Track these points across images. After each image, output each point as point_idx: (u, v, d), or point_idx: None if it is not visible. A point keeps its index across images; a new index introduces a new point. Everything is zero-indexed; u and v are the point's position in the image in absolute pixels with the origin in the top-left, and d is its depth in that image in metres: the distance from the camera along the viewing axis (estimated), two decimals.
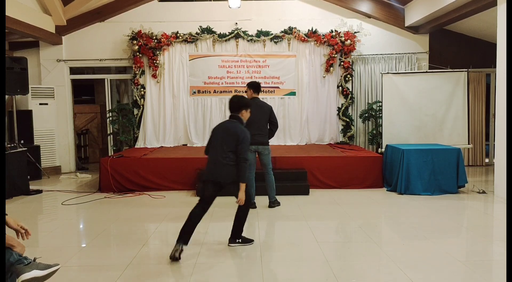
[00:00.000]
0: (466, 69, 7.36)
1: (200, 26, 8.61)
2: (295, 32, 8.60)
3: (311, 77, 8.74)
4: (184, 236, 3.67)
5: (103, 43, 8.74)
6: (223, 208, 5.47)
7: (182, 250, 3.63)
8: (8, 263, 2.45)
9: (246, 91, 5.56)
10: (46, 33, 8.10)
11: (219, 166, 3.76)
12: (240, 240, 4.02)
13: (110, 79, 9.19)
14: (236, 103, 3.95)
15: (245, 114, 3.98)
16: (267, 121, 5.41)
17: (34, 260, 2.60)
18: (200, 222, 4.86)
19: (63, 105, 8.78)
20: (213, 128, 3.97)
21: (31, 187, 6.67)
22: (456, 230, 4.55)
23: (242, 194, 3.78)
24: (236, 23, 8.68)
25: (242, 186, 3.77)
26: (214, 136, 3.87)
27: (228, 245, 3.99)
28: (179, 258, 3.59)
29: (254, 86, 5.49)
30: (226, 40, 8.64)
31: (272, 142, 5.51)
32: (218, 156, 3.76)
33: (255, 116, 5.30)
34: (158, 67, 8.61)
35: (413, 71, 8.09)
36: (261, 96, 5.63)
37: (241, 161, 3.72)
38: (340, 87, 8.72)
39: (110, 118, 8.88)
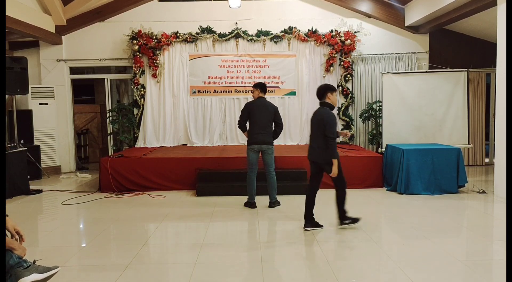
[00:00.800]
0: (466, 69, 7.36)
1: (200, 26, 8.61)
2: (295, 32, 8.60)
3: (311, 77, 8.74)
4: (309, 218, 4.44)
5: (103, 43, 8.74)
6: (223, 208, 5.47)
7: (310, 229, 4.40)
8: (8, 265, 2.45)
9: (252, 91, 5.61)
10: (46, 33, 8.10)
11: (314, 149, 4.41)
12: (349, 221, 4.43)
13: (110, 79, 9.19)
14: (321, 90, 4.46)
15: (332, 97, 4.43)
16: (271, 121, 5.43)
17: (34, 262, 2.59)
18: (201, 221, 4.88)
19: (63, 105, 8.78)
20: (311, 118, 4.54)
21: (31, 187, 6.67)
22: (456, 229, 4.55)
23: (335, 168, 4.28)
24: (236, 23, 8.67)
25: (334, 162, 4.28)
26: (311, 124, 4.51)
27: (340, 226, 4.45)
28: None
29: (261, 86, 5.55)
30: (226, 40, 8.64)
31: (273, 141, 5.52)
32: (312, 141, 4.45)
33: (259, 116, 5.34)
34: (158, 67, 8.61)
35: (413, 71, 8.09)
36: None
37: (329, 140, 4.25)
38: (340, 87, 8.72)
39: (110, 118, 8.88)
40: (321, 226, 4.48)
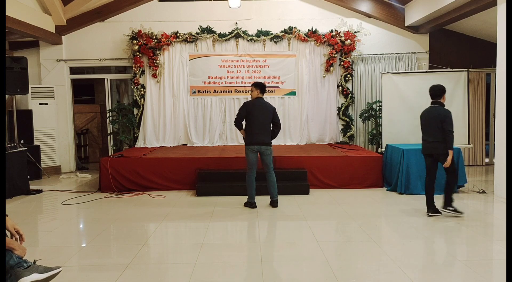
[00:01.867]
0: (466, 69, 7.36)
1: (200, 26, 8.61)
2: (295, 32, 8.60)
3: (311, 77, 8.74)
4: (431, 205, 4.94)
5: (103, 43, 8.74)
6: (223, 208, 5.48)
7: (433, 215, 4.87)
8: (8, 265, 2.44)
9: (251, 91, 5.57)
10: (46, 33, 8.10)
11: (430, 143, 4.91)
12: (452, 209, 4.84)
13: (110, 79, 9.19)
14: (438, 90, 5.02)
15: (444, 97, 5.03)
16: (270, 121, 5.45)
17: (34, 262, 2.59)
18: (201, 221, 4.88)
19: (63, 105, 8.78)
20: (421, 115, 5.11)
21: (31, 187, 6.68)
22: (456, 229, 4.55)
23: (449, 158, 4.79)
24: (236, 23, 8.68)
25: (450, 152, 4.79)
26: (423, 121, 5.04)
27: (441, 210, 4.89)
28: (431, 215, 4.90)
29: (260, 86, 5.54)
30: (226, 40, 8.64)
31: (272, 141, 5.54)
32: (429, 136, 4.93)
33: (259, 116, 5.35)
34: (158, 67, 8.61)
35: (413, 71, 8.09)
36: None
37: (448, 133, 4.77)
38: (340, 87, 8.72)
39: (110, 118, 8.88)
40: (440, 213, 4.92)
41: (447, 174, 4.94)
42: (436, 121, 4.85)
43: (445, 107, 4.95)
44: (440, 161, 4.89)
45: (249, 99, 8.47)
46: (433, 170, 5.00)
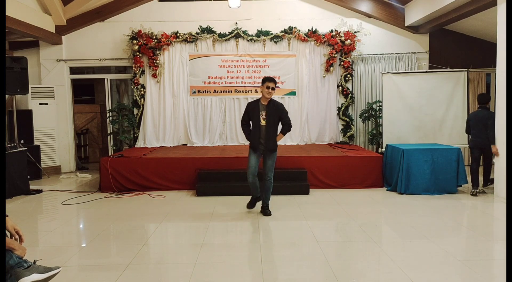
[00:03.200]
0: (466, 69, 7.37)
1: (200, 26, 8.61)
2: (295, 31, 8.60)
3: (311, 77, 8.74)
4: (475, 181, 6.11)
5: (103, 43, 8.74)
6: (223, 208, 5.47)
7: (478, 192, 6.05)
8: (8, 265, 2.44)
9: (272, 89, 4.89)
10: (46, 33, 8.10)
11: (481, 138, 6.08)
12: (489, 182, 6.29)
13: (110, 79, 9.19)
14: (487, 97, 6.30)
15: (489, 103, 6.37)
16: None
17: (34, 262, 2.59)
18: (200, 222, 4.89)
19: (63, 105, 8.78)
20: (470, 116, 6.37)
21: (31, 187, 6.68)
22: (456, 229, 4.55)
23: (494, 148, 5.90)
24: (236, 23, 8.68)
25: (493, 146, 5.93)
26: (472, 121, 6.21)
27: (483, 189, 6.18)
28: (476, 195, 6.01)
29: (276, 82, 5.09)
30: (226, 40, 8.64)
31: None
32: (479, 132, 6.09)
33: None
34: (158, 67, 8.61)
35: (413, 71, 8.09)
36: (260, 96, 5.16)
37: (492, 130, 5.92)
38: (340, 87, 8.72)
39: (110, 118, 8.88)
40: (478, 191, 6.11)
41: (485, 163, 6.28)
42: (483, 120, 6.00)
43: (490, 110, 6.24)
44: (486, 152, 6.10)
45: (249, 99, 8.65)
46: (479, 159, 6.22)
